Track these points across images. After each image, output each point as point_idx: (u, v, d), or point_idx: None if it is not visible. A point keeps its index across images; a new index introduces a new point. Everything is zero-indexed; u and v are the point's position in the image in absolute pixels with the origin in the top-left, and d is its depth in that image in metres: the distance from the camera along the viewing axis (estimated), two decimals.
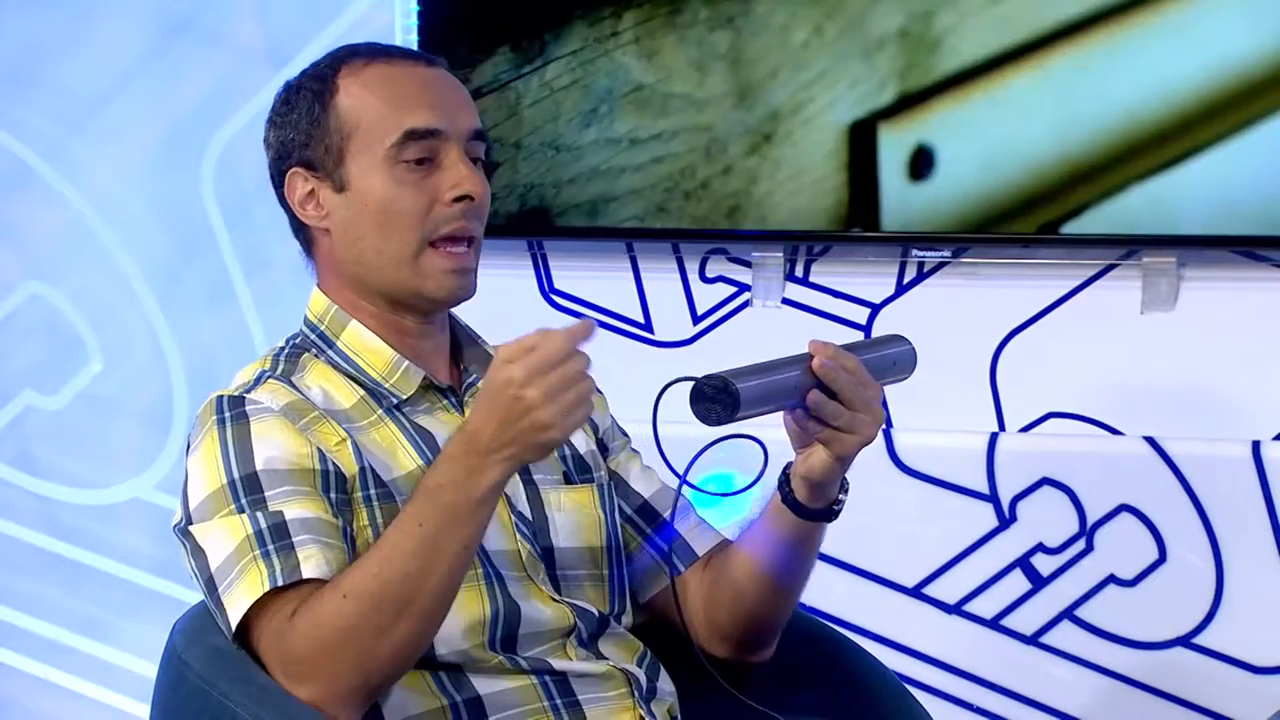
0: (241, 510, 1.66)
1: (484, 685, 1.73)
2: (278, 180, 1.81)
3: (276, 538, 1.64)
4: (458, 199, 1.75)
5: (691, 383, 1.61)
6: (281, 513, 1.66)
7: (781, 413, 1.70)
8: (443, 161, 1.76)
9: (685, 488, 1.69)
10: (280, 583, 1.62)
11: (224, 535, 1.66)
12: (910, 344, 1.81)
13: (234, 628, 1.64)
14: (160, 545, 3.12)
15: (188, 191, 3.06)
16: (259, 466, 1.68)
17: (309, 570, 1.63)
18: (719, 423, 1.60)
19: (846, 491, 1.78)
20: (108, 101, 3.07)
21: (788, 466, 1.77)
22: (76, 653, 3.20)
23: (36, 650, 3.21)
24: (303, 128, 1.77)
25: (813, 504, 1.76)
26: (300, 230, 1.82)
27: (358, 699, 1.62)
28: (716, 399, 1.59)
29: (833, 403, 1.67)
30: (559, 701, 1.75)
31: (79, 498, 3.18)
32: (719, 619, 1.87)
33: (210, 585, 1.66)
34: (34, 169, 3.12)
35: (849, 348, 1.72)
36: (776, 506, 1.79)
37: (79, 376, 3.16)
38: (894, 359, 1.79)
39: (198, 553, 1.68)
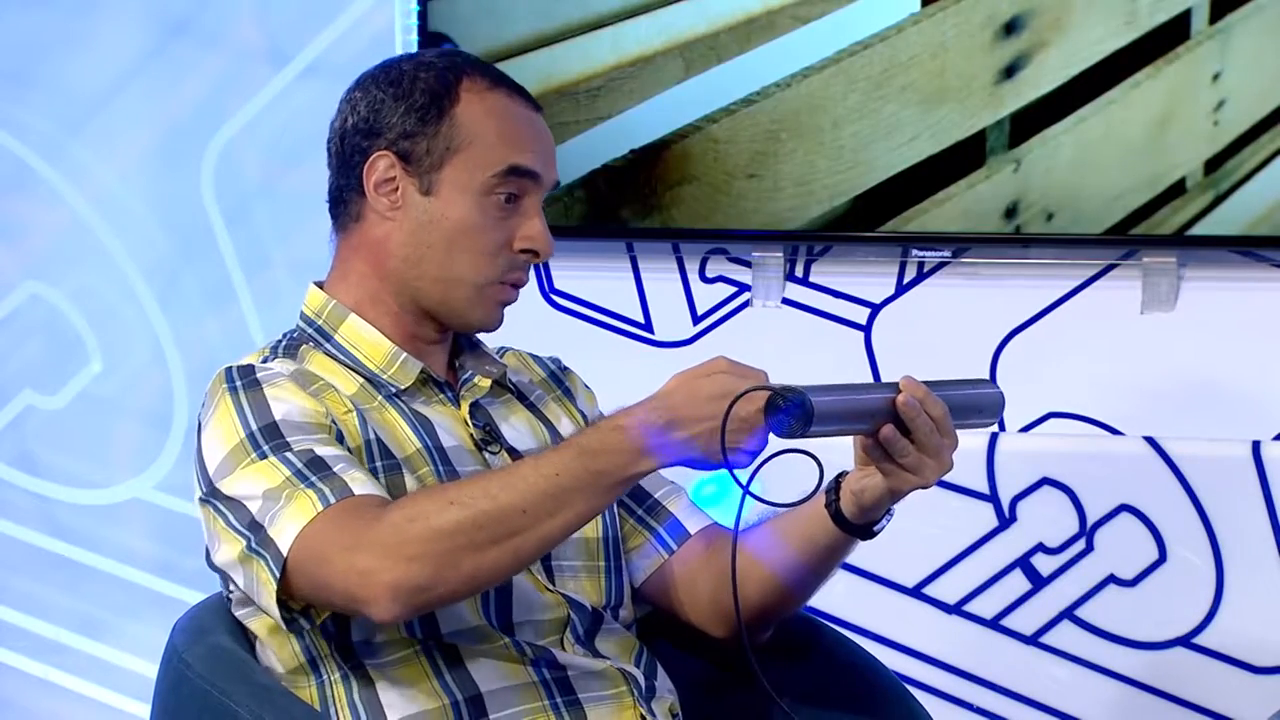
0: (265, 456, 1.64)
1: (485, 680, 1.72)
2: (355, 145, 1.78)
3: (316, 469, 1.62)
4: (526, 251, 1.78)
5: (768, 392, 1.58)
6: (312, 449, 1.64)
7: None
8: (525, 207, 1.77)
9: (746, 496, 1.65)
10: (332, 501, 1.59)
11: (258, 479, 1.63)
12: (998, 388, 1.77)
13: (285, 555, 1.59)
14: (160, 545, 3.12)
15: (188, 191, 3.05)
16: (277, 418, 1.67)
17: (358, 489, 1.60)
18: (791, 436, 1.57)
19: (891, 516, 1.79)
20: (108, 101, 3.07)
21: (841, 475, 1.77)
22: (76, 653, 3.19)
23: (36, 650, 3.21)
24: (413, 119, 1.76)
25: (855, 520, 1.77)
26: (347, 203, 1.80)
27: (411, 600, 1.57)
28: (791, 412, 1.56)
29: (904, 440, 1.66)
30: (559, 700, 1.75)
31: (79, 498, 3.17)
32: (727, 603, 1.83)
33: (254, 528, 1.62)
34: (34, 169, 3.12)
35: (938, 384, 1.69)
36: (818, 510, 1.79)
37: (79, 376, 3.15)
38: (981, 403, 1.75)
39: (232, 507, 1.64)
